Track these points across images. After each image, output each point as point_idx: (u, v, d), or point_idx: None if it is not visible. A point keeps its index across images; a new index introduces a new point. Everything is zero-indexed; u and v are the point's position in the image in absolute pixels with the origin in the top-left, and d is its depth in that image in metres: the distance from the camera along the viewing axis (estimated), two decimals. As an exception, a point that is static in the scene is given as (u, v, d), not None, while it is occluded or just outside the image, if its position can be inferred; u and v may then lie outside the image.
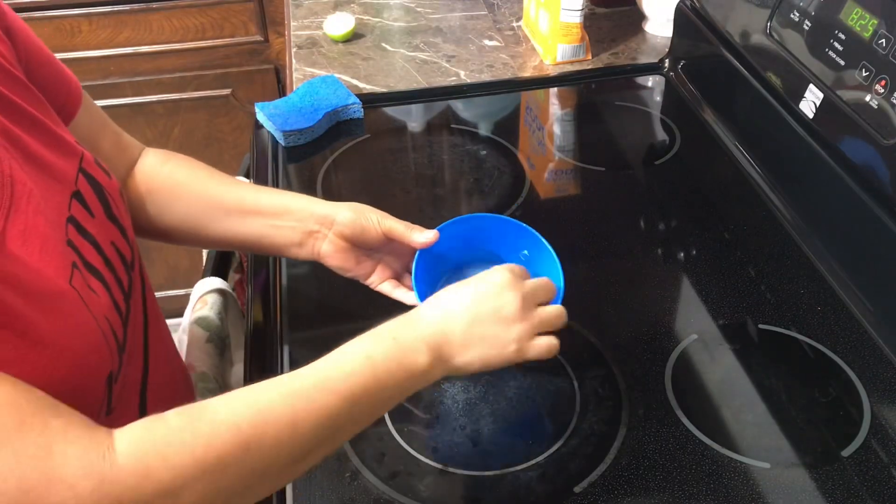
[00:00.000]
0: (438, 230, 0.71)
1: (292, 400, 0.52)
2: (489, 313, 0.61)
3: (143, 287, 0.67)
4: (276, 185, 1.00)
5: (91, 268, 0.56)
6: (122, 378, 0.57)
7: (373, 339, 0.58)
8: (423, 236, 0.70)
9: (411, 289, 0.74)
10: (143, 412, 0.61)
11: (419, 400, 0.72)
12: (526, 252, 0.74)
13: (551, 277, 0.70)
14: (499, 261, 0.71)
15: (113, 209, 0.62)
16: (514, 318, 0.61)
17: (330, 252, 0.73)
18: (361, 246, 0.73)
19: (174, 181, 0.74)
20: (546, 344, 0.63)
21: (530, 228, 0.73)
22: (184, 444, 0.47)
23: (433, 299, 0.62)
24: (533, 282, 0.65)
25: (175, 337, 0.79)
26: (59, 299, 0.51)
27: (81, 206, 0.58)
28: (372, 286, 0.75)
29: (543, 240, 0.72)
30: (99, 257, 0.58)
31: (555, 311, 0.65)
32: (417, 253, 0.71)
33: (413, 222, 0.76)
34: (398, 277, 0.76)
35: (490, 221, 0.74)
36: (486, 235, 0.74)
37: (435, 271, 0.73)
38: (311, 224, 0.72)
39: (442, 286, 0.67)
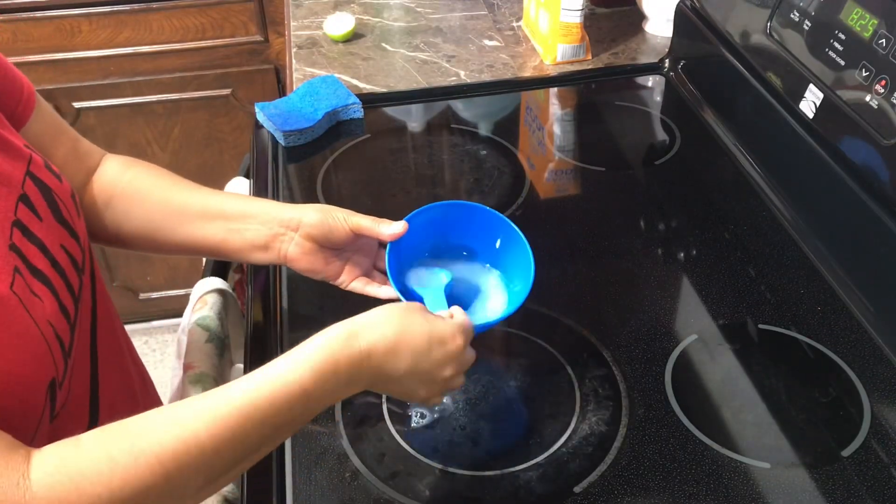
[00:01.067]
0: (406, 220, 0.70)
1: (217, 430, 0.49)
2: (427, 372, 0.60)
3: (93, 291, 0.65)
4: (276, 185, 1.00)
5: (36, 271, 0.55)
6: (68, 383, 0.56)
7: (315, 368, 0.54)
8: (391, 228, 0.70)
9: (381, 283, 0.74)
10: (94, 418, 0.60)
11: (419, 400, 0.72)
12: (499, 242, 0.74)
13: (522, 267, 0.70)
14: (471, 251, 0.73)
15: (63, 212, 0.61)
16: (439, 385, 0.62)
17: (297, 254, 0.71)
18: (329, 246, 0.72)
19: (134, 188, 0.72)
20: (439, 400, 0.66)
21: (503, 216, 0.72)
22: (100, 475, 0.45)
23: (397, 327, 0.58)
24: (469, 356, 0.64)
25: (174, 337, 0.79)
26: (4, 303, 0.50)
27: (28, 209, 0.57)
28: (342, 286, 0.74)
29: (516, 228, 0.72)
30: (46, 260, 0.56)
31: (459, 380, 0.64)
32: (388, 245, 0.70)
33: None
34: (367, 274, 0.75)
35: (460, 209, 0.73)
36: (458, 223, 0.73)
37: (407, 261, 0.73)
38: (275, 227, 0.71)
39: (416, 275, 0.69)
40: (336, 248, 0.73)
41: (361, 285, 0.74)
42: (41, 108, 0.67)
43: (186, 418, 0.49)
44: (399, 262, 0.71)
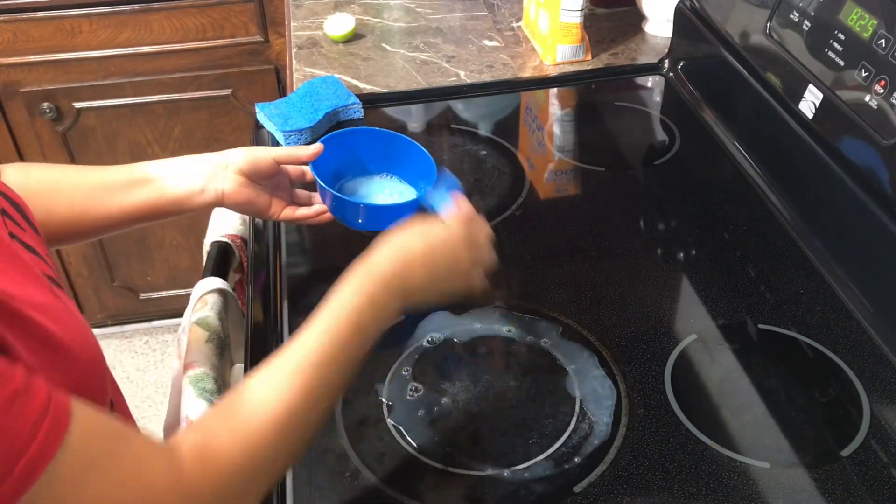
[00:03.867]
0: (321, 142, 0.81)
1: (306, 378, 0.56)
2: (445, 267, 0.67)
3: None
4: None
5: (50, 278, 0.55)
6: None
7: (352, 304, 0.61)
8: (307, 150, 0.80)
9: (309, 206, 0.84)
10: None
11: (419, 400, 0.72)
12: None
13: (427, 169, 0.82)
14: (384, 171, 0.88)
15: (31, 219, 0.61)
16: (466, 270, 0.69)
17: (232, 189, 0.77)
18: (257, 179, 0.79)
19: (46, 184, 0.72)
20: (482, 288, 0.72)
21: (398, 134, 0.86)
22: (238, 443, 0.52)
23: (390, 248, 0.65)
24: (479, 225, 0.72)
25: (174, 337, 0.79)
26: (53, 308, 0.51)
27: (12, 222, 0.57)
28: (274, 217, 0.82)
29: (414, 142, 0.85)
30: (48, 267, 0.57)
31: (490, 255, 0.72)
32: (311, 166, 0.80)
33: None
34: (292, 205, 0.83)
35: (365, 134, 0.87)
36: (365, 146, 0.86)
37: (330, 181, 0.82)
38: (206, 170, 0.77)
39: (339, 187, 0.80)
40: (263, 179, 0.80)
41: (291, 212, 0.82)
42: None
43: (279, 375, 0.56)
44: (324, 180, 0.80)
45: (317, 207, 0.84)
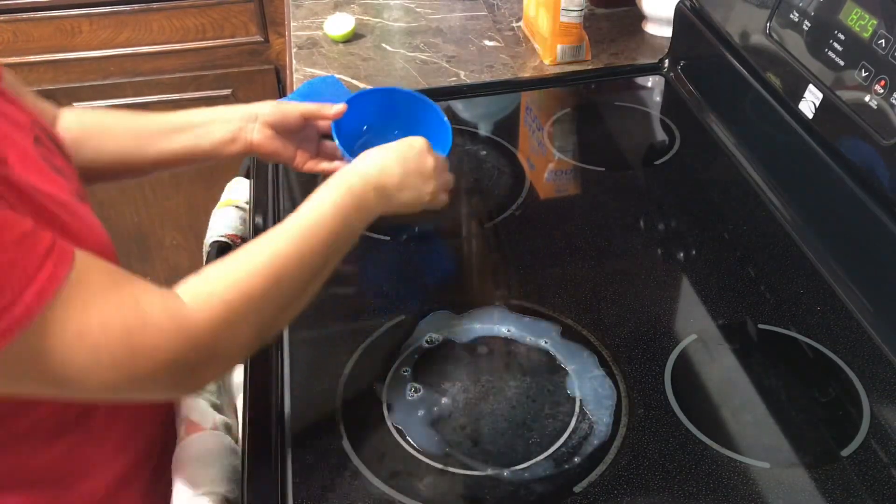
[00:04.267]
0: (346, 102, 0.88)
1: (295, 245, 0.65)
2: (415, 169, 0.78)
3: None
4: (276, 185, 1.00)
5: (76, 195, 0.65)
6: None
7: (333, 192, 0.70)
8: (332, 108, 0.87)
9: (331, 161, 0.90)
10: None
11: (419, 400, 0.72)
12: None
13: (441, 131, 0.91)
14: (401, 130, 0.90)
15: (64, 150, 0.71)
16: (431, 176, 0.79)
17: (261, 140, 0.84)
18: (283, 132, 0.86)
19: (98, 126, 0.83)
20: (444, 199, 0.83)
21: (415, 93, 0.93)
22: (233, 281, 0.60)
23: (369, 157, 0.77)
24: (437, 155, 0.82)
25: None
26: (73, 208, 0.61)
27: (44, 147, 0.66)
28: (298, 168, 0.89)
29: (428, 100, 0.92)
30: (70, 188, 0.65)
31: (449, 177, 0.84)
32: (332, 125, 0.86)
33: (413, 221, 0.89)
34: (316, 157, 0.90)
35: (386, 94, 0.94)
36: (387, 108, 0.93)
37: (352, 138, 0.90)
38: (238, 122, 0.84)
39: (360, 149, 0.83)
40: (289, 132, 0.87)
41: (314, 164, 0.89)
42: (5, 70, 0.72)
43: (271, 240, 0.64)
44: (345, 137, 0.87)
45: (337, 164, 0.89)
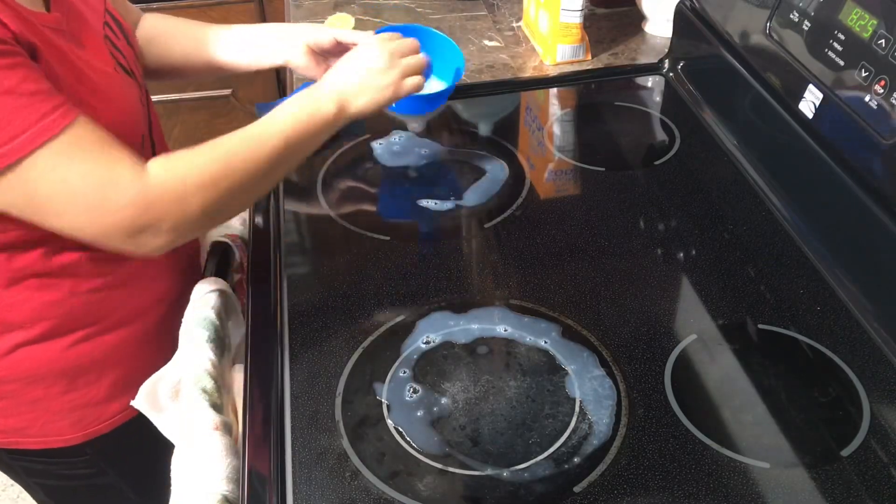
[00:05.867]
0: (375, 32, 0.95)
1: (249, 144, 0.75)
2: (367, 68, 0.85)
3: (148, 101, 0.89)
4: (276, 186, 1.00)
5: (125, 69, 0.80)
6: (150, 142, 0.86)
7: (293, 102, 0.81)
8: (363, 35, 0.95)
9: None
10: None
11: (419, 400, 0.72)
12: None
13: (455, 60, 1.01)
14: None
15: (130, 39, 0.86)
16: (385, 68, 0.85)
17: (297, 57, 0.97)
18: (319, 52, 0.97)
19: (169, 30, 0.97)
20: (412, 83, 0.88)
21: (435, 31, 1.02)
22: (192, 165, 0.71)
23: (332, 70, 0.86)
24: (397, 42, 0.89)
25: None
26: (116, 79, 0.77)
27: (111, 31, 0.81)
28: None
29: (445, 36, 1.01)
30: (119, 63, 0.79)
31: (417, 59, 0.89)
32: None
33: (415, 220, 0.94)
34: None
35: (411, 31, 0.99)
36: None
37: None
38: (281, 39, 0.97)
39: None
40: (324, 53, 0.98)
41: None
42: None
43: (226, 140, 0.74)
44: None
45: None
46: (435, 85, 1.03)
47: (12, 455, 0.88)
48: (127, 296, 0.84)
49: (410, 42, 0.90)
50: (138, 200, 0.67)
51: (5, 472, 0.94)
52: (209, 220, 0.74)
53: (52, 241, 0.74)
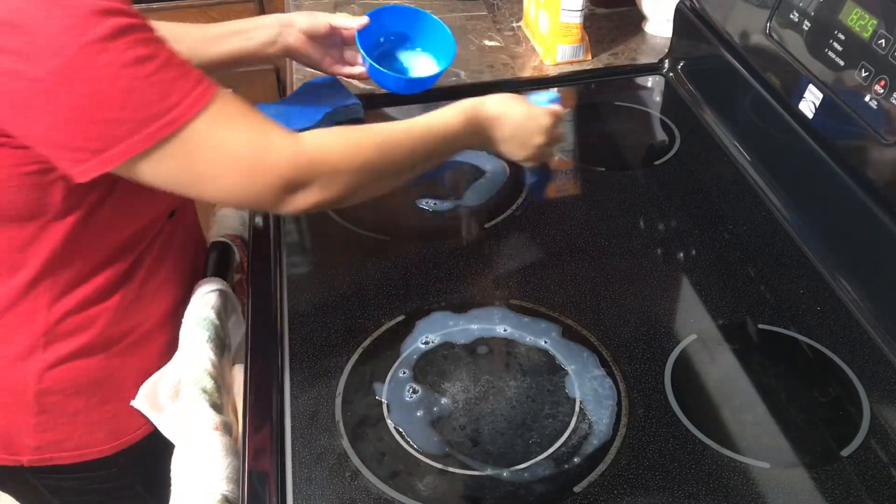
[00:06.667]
0: (368, 15, 1.03)
1: (403, 137, 0.79)
2: (530, 129, 0.90)
3: None
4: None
5: None
6: None
7: (450, 112, 0.84)
8: (357, 20, 1.02)
9: (352, 66, 1.07)
10: None
11: (419, 401, 0.72)
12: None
13: (446, 44, 1.09)
14: (417, 45, 1.13)
15: None
16: (542, 136, 0.91)
17: (295, 44, 1.00)
18: (315, 37, 1.01)
19: (169, 31, 0.92)
20: (542, 161, 0.97)
21: (423, 12, 1.10)
22: (345, 144, 0.74)
23: (500, 100, 0.89)
24: (559, 133, 0.95)
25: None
26: None
27: None
28: (326, 70, 1.06)
29: (436, 19, 1.10)
30: None
31: (555, 149, 0.99)
32: (356, 34, 1.02)
33: (412, 221, 0.95)
34: (340, 63, 1.07)
35: (405, 12, 1.10)
36: (409, 24, 1.11)
37: (371, 48, 1.06)
38: (276, 27, 0.99)
39: (378, 57, 1.05)
40: (320, 38, 1.02)
41: (339, 68, 1.06)
42: None
43: (387, 129, 0.79)
44: (367, 43, 1.03)
45: (358, 68, 1.06)
46: (423, 64, 1.12)
47: (40, 473, 0.85)
48: (156, 306, 0.85)
49: (562, 132, 0.99)
50: (292, 160, 0.69)
51: (23, 494, 0.92)
52: (351, 191, 0.75)
53: (92, 254, 0.76)
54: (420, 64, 1.12)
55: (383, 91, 1.17)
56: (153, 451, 0.86)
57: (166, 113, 0.63)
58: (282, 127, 0.71)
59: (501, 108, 0.88)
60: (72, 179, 0.65)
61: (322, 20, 1.01)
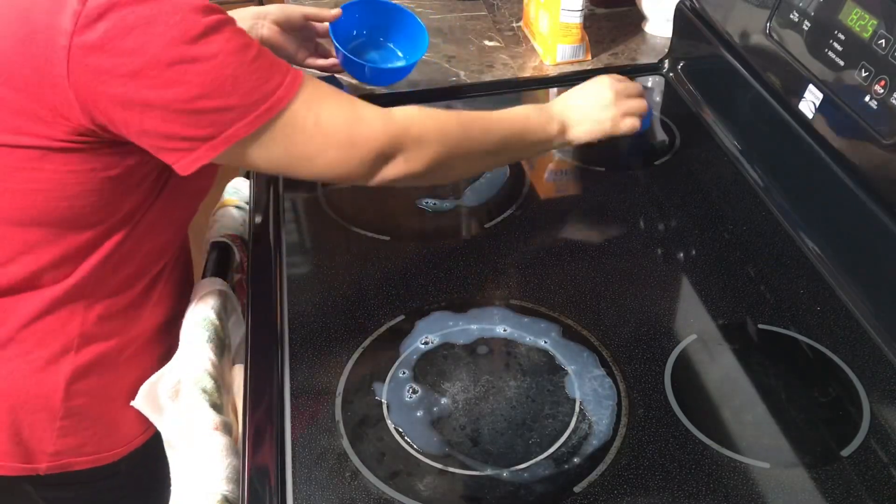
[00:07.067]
0: (342, 8, 1.05)
1: (487, 122, 0.84)
2: (594, 102, 0.92)
3: None
4: (276, 186, 1.00)
5: None
6: None
7: (533, 108, 0.89)
8: (330, 12, 1.04)
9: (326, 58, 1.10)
10: None
11: (418, 401, 0.72)
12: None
13: (419, 38, 1.10)
14: (389, 39, 1.14)
15: None
16: (610, 105, 0.92)
17: (268, 35, 1.00)
18: (289, 29, 1.03)
19: None
20: (630, 123, 0.94)
21: (402, 7, 1.11)
22: (430, 117, 0.78)
23: (563, 96, 0.94)
24: (625, 84, 0.96)
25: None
26: None
27: None
28: (300, 62, 1.07)
29: (411, 14, 1.11)
30: None
31: (639, 103, 0.96)
32: (329, 26, 1.04)
33: (412, 221, 0.95)
34: (314, 55, 1.10)
35: (377, 5, 1.10)
36: (381, 18, 1.12)
37: (345, 41, 1.08)
38: (250, 20, 0.99)
39: (352, 50, 1.07)
40: (293, 30, 1.03)
41: (312, 60, 1.09)
42: None
43: (473, 116, 0.84)
44: (340, 36, 1.05)
45: (331, 60, 1.10)
46: (396, 58, 1.15)
47: (46, 486, 0.84)
48: (169, 305, 0.86)
49: (636, 85, 0.98)
50: (385, 130, 0.73)
51: None
52: (437, 164, 0.78)
53: (133, 262, 0.79)
54: (393, 58, 1.15)
55: (380, 90, 1.17)
56: (152, 457, 0.86)
57: (269, 97, 0.66)
58: (369, 103, 0.75)
59: (565, 98, 0.93)
60: (177, 171, 0.68)
61: (295, 11, 1.02)
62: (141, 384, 0.82)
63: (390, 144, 0.74)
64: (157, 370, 0.83)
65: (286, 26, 1.02)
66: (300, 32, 1.05)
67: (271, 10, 1.01)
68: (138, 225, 0.76)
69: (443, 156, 0.78)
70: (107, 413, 0.82)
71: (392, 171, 0.75)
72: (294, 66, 0.70)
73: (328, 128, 0.70)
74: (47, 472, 0.81)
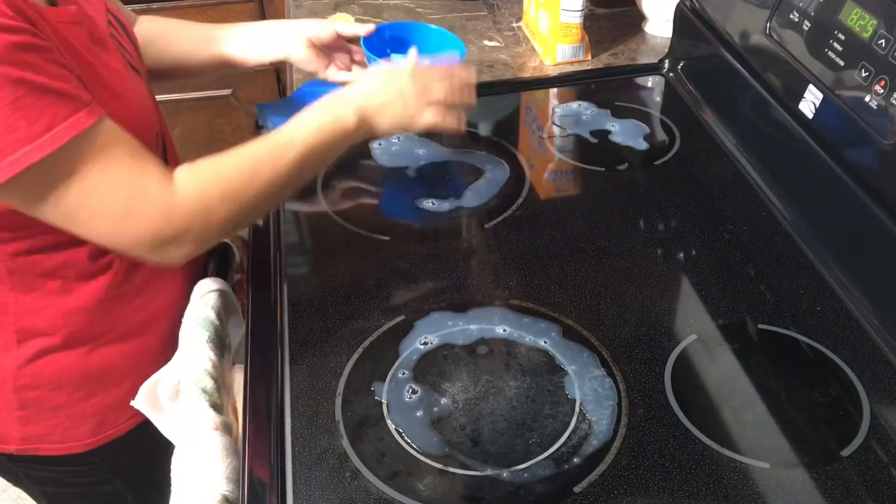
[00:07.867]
0: (377, 28, 1.04)
1: (273, 153, 0.76)
2: (396, 90, 0.84)
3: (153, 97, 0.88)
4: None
5: (133, 67, 0.80)
6: (164, 139, 0.86)
7: (316, 112, 0.80)
8: (364, 27, 1.03)
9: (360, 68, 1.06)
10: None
11: (418, 401, 0.72)
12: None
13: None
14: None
15: (132, 36, 0.85)
16: (413, 95, 0.85)
17: (298, 52, 1.00)
18: (320, 45, 1.01)
19: (164, 32, 0.97)
20: (431, 118, 0.87)
21: (434, 27, 1.09)
22: (218, 176, 0.72)
23: (356, 83, 0.85)
24: (432, 73, 0.87)
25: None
26: (126, 77, 0.76)
27: (114, 29, 0.80)
28: (328, 78, 1.04)
29: (445, 31, 1.08)
30: (126, 61, 0.79)
31: (452, 96, 0.88)
32: (363, 41, 1.02)
33: (414, 220, 0.94)
34: (343, 70, 1.05)
35: (409, 28, 1.09)
36: (409, 38, 1.08)
37: (379, 55, 1.04)
38: (281, 36, 1.00)
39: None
40: (324, 46, 1.02)
41: (344, 76, 1.04)
42: None
43: (251, 151, 0.75)
44: (372, 51, 1.01)
45: (356, 72, 1.06)
46: None
47: (22, 462, 0.87)
48: (145, 300, 0.85)
49: (459, 77, 0.89)
50: (165, 213, 0.68)
51: (9, 479, 0.94)
52: (233, 228, 0.75)
53: (73, 247, 0.75)
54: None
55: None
56: (136, 448, 0.87)
57: (35, 139, 0.60)
58: (160, 169, 0.69)
59: (362, 87, 0.84)
60: None
61: (327, 28, 1.01)
62: (116, 377, 0.83)
63: (173, 226, 0.68)
64: (136, 366, 0.83)
65: (317, 42, 1.01)
66: (331, 49, 1.04)
67: (302, 25, 1.01)
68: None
69: (239, 214, 0.73)
70: (72, 404, 0.82)
71: (181, 250, 0.70)
72: (91, 109, 0.64)
73: (104, 197, 0.65)
74: (18, 454, 0.84)
